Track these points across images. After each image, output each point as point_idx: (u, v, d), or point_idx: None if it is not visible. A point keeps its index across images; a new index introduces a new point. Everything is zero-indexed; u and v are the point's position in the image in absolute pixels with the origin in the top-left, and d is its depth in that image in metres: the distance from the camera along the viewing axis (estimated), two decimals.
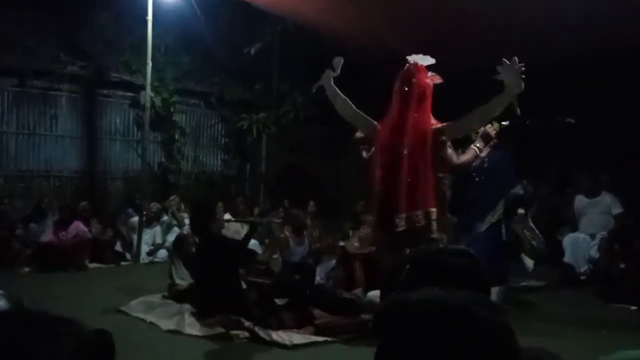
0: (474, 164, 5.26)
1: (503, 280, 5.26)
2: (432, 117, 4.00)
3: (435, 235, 3.84)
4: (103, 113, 9.98)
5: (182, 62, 10.30)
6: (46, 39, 9.03)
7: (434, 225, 3.86)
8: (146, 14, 8.16)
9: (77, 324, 1.09)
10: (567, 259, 6.86)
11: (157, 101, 9.72)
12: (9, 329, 1.02)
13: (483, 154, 5.31)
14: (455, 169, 4.16)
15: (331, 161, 10.78)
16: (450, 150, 4.13)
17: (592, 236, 6.85)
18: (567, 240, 6.95)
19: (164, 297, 5.62)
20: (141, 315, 5.09)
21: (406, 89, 3.94)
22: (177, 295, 5.52)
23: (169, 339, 4.55)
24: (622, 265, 6.09)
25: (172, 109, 10.23)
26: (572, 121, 9.40)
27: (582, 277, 6.78)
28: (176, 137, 10.45)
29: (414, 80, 3.92)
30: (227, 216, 7.44)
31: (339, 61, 4.05)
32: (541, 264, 6.25)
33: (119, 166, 10.15)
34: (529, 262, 5.37)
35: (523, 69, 3.51)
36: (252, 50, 9.65)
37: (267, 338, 4.45)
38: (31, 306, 1.33)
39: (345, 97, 4.08)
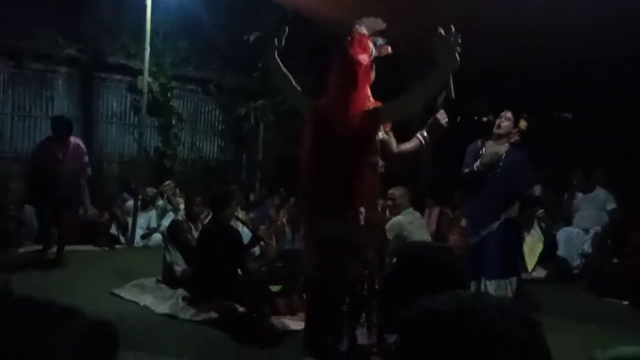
0: (485, 162, 5.20)
1: (518, 270, 5.31)
2: (370, 97, 3.41)
3: (361, 240, 3.19)
4: (100, 96, 9.93)
5: (180, 47, 10.26)
6: (44, 21, 8.96)
7: (361, 227, 3.21)
8: None
9: (81, 315, 1.09)
10: (560, 253, 6.91)
11: (155, 86, 9.69)
12: (13, 318, 1.02)
13: (497, 149, 5.25)
14: (394, 158, 3.46)
15: None
16: (387, 137, 3.43)
17: (586, 231, 6.90)
18: (561, 234, 7.01)
19: (158, 281, 5.62)
20: (135, 299, 5.10)
21: (339, 66, 3.32)
22: (171, 280, 5.53)
23: (162, 323, 4.56)
24: (614, 260, 6.13)
25: (169, 95, 10.19)
26: (569, 116, 9.41)
27: (575, 271, 6.84)
28: (173, 122, 10.41)
29: (348, 54, 3.29)
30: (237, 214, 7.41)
31: (283, 31, 3.48)
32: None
33: (115, 150, 10.11)
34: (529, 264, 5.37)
35: (460, 40, 2.91)
36: (251, 38, 9.61)
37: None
38: (20, 288, 1.32)
39: (287, 73, 3.51)
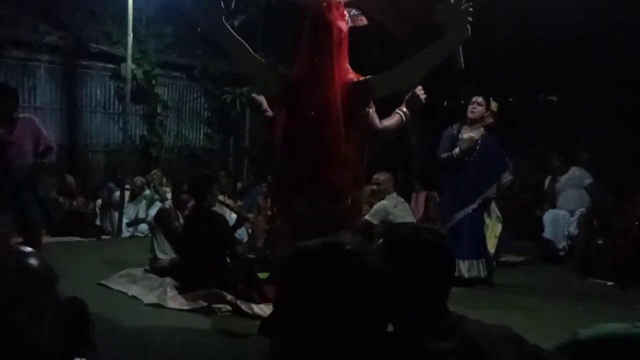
0: (464, 149, 5.34)
1: (487, 252, 5.45)
2: (349, 68, 3.15)
3: (344, 220, 3.05)
4: (83, 85, 9.81)
5: (164, 33, 10.14)
6: (25, 8, 8.80)
7: (344, 208, 3.07)
8: None
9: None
10: (546, 234, 6.99)
11: (139, 73, 9.58)
12: None
13: (473, 134, 5.39)
14: (378, 134, 3.28)
15: None
16: (372, 112, 3.23)
17: (572, 212, 6.98)
18: (547, 216, 7.09)
19: (146, 271, 5.60)
20: (123, 289, 5.07)
21: (317, 32, 3.05)
22: (159, 270, 5.51)
23: (150, 313, 4.54)
24: (599, 242, 6.20)
25: (154, 82, 10.09)
26: (555, 99, 9.46)
27: (561, 253, 6.92)
28: (158, 110, 10.32)
29: (325, 21, 3.02)
30: (220, 197, 7.39)
31: None
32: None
33: (100, 139, 10.02)
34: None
35: (471, 9, 2.75)
36: (236, 23, 9.49)
37: (249, 311, 4.46)
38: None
39: (242, 40, 3.12)
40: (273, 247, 5.03)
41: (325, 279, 1.04)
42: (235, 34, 3.13)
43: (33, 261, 1.22)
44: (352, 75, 3.12)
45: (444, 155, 5.51)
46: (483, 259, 5.39)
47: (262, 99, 3.70)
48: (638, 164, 7.10)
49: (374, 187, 5.74)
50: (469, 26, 2.77)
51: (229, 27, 3.11)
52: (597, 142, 8.37)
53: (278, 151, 3.26)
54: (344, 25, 3.09)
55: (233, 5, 3.11)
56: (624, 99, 8.06)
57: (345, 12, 3.15)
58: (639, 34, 6.72)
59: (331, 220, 2.98)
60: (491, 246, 5.46)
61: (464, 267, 5.25)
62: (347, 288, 1.03)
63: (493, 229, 5.49)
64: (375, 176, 5.71)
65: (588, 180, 7.08)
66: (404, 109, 3.44)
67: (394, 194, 5.79)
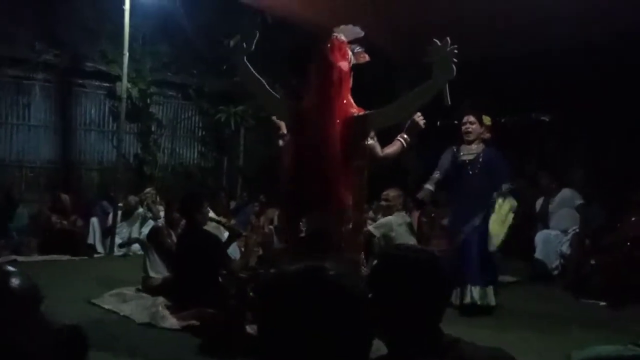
0: (468, 159, 5.37)
1: (496, 279, 5.45)
2: (352, 102, 3.47)
3: (345, 239, 3.29)
4: (78, 103, 9.83)
5: (160, 52, 10.19)
6: (20, 26, 8.84)
7: (346, 229, 3.30)
8: (123, 2, 8.05)
9: (51, 321, 1.09)
10: (538, 255, 6.99)
11: (134, 92, 9.61)
12: None
13: (474, 151, 5.41)
14: (380, 163, 3.57)
15: None
16: (373, 142, 3.55)
17: (565, 232, 6.99)
18: (539, 237, 7.10)
19: (138, 290, 5.56)
20: (114, 308, 5.03)
21: (321, 73, 3.39)
22: (151, 288, 5.47)
23: (142, 332, 4.50)
24: (592, 262, 6.19)
25: (148, 100, 10.11)
26: (547, 119, 9.55)
27: (554, 273, 6.91)
28: (152, 128, 10.34)
29: (328, 62, 3.37)
30: (211, 214, 7.37)
31: (253, 35, 3.44)
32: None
33: (93, 157, 10.02)
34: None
35: (456, 51, 3.09)
36: (231, 43, 9.56)
37: (242, 331, 4.43)
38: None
39: (259, 77, 3.51)
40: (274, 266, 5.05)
41: (306, 304, 1.06)
42: (255, 73, 3.48)
43: (16, 280, 1.23)
44: (354, 110, 3.43)
45: (436, 174, 5.52)
46: (491, 286, 5.26)
47: (281, 123, 3.97)
48: (631, 182, 7.14)
49: (383, 203, 5.81)
50: (454, 68, 3.10)
51: (250, 66, 3.47)
52: (590, 160, 8.43)
53: (287, 175, 3.56)
54: (345, 65, 3.41)
55: (254, 46, 3.44)
56: (617, 117, 8.12)
57: (347, 51, 3.47)
58: (632, 51, 6.81)
59: (333, 241, 3.22)
60: (500, 234, 5.21)
61: (476, 293, 5.13)
62: (327, 313, 1.05)
63: (507, 218, 5.29)
64: (385, 193, 5.80)
65: (578, 201, 7.12)
66: (405, 136, 3.74)
67: (403, 213, 5.84)
